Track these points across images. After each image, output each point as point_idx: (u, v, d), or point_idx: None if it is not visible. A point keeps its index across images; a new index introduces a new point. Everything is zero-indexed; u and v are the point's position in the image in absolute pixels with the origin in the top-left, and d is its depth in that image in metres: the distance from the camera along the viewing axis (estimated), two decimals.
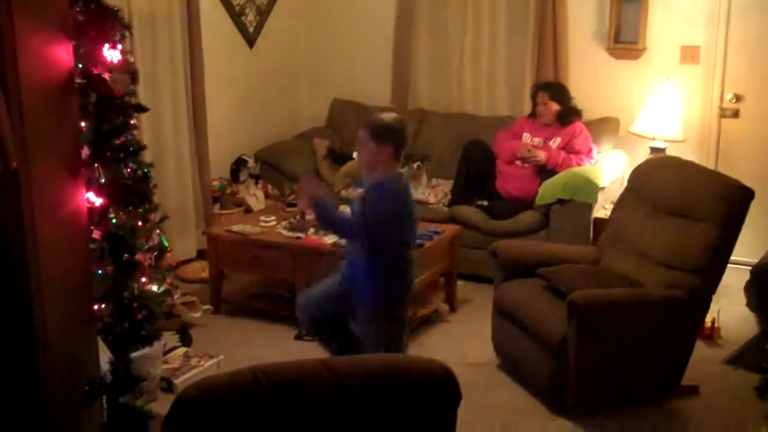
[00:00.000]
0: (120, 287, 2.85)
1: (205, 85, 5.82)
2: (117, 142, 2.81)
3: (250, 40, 6.50)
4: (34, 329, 2.61)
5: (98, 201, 2.80)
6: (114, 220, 2.92)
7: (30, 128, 2.54)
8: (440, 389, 2.29)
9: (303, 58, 7.01)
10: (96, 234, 2.83)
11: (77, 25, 2.67)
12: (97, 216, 2.80)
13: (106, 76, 2.70)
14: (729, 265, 4.11)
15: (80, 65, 2.70)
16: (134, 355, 3.18)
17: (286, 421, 2.17)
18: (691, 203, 4.05)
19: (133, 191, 2.87)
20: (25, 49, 2.51)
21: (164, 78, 5.60)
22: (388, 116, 3.65)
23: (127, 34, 3.07)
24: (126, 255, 2.83)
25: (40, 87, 2.58)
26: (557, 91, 5.62)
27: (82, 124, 2.78)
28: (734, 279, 5.01)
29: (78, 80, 2.71)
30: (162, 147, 5.61)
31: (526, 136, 5.63)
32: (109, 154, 2.78)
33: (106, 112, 2.75)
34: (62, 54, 2.60)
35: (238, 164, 6.07)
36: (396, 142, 3.54)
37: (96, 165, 2.79)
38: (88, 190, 2.78)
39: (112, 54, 2.71)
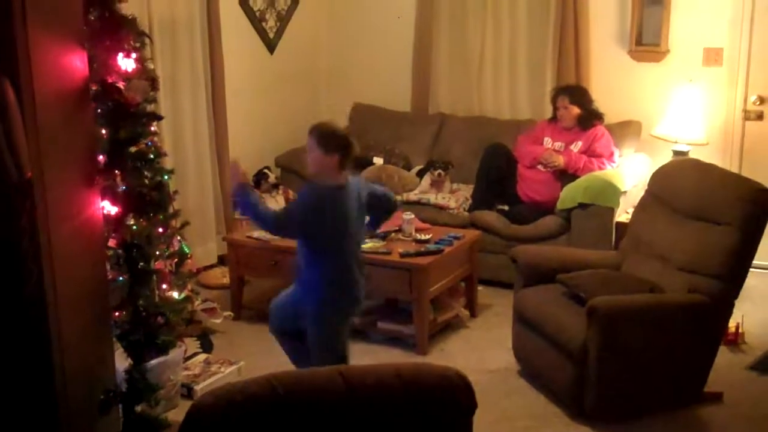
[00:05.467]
0: (135, 295, 2.85)
1: (225, 91, 5.85)
2: (133, 150, 2.82)
3: (271, 46, 6.52)
4: (50, 337, 2.62)
5: (114, 209, 2.81)
6: (134, 227, 2.92)
7: (45, 137, 2.55)
8: (456, 397, 2.27)
9: (323, 63, 7.02)
10: (112, 242, 2.83)
11: (92, 33, 2.68)
12: (113, 224, 2.81)
13: (121, 84, 2.71)
14: (754, 270, 4.06)
15: (95, 74, 2.71)
16: (154, 361, 3.18)
17: (301, 428, 2.16)
18: (712, 207, 4.00)
19: (149, 200, 2.88)
20: (40, 57, 2.52)
21: (184, 83, 5.63)
22: (335, 126, 3.76)
23: (147, 41, 3.09)
24: (141, 263, 2.84)
25: (54, 95, 2.59)
26: (577, 94, 5.58)
27: (102, 131, 2.79)
28: (760, 283, 4.96)
29: (93, 88, 2.72)
30: (182, 152, 5.64)
31: (547, 141, 5.60)
32: (125, 162, 2.78)
33: (121, 120, 2.76)
34: (77, 62, 2.61)
35: (259, 177, 6.11)
36: (342, 152, 3.57)
37: (112, 173, 2.79)
38: (103, 198, 2.79)
39: (126, 63, 2.72)
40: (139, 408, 2.88)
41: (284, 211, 3.80)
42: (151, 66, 3.80)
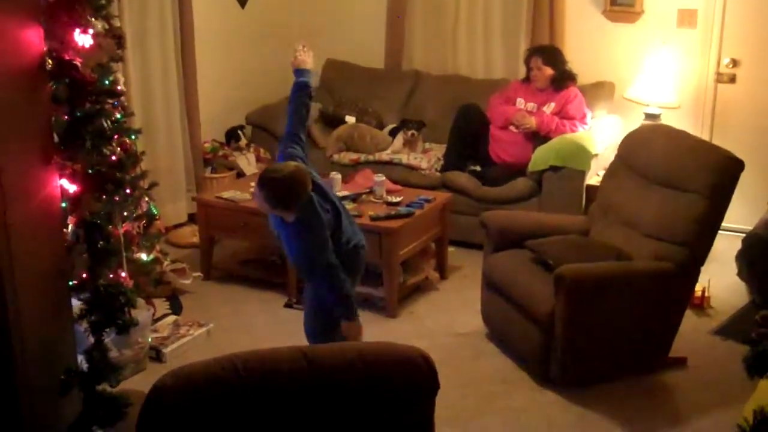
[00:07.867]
0: (96, 275, 2.82)
1: (195, 47, 5.76)
2: (91, 128, 2.76)
3: (242, 0, 6.40)
4: (8, 318, 2.59)
5: (72, 188, 2.77)
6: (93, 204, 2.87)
7: (0, 115, 2.49)
8: (418, 377, 2.28)
9: (296, 18, 6.90)
10: (71, 220, 2.79)
11: (48, 9, 2.61)
12: (72, 203, 2.77)
13: (78, 61, 2.64)
14: (721, 232, 4.10)
15: (52, 50, 2.64)
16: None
17: (264, 409, 2.17)
18: (680, 174, 4.02)
19: (107, 178, 2.83)
20: None
21: (153, 39, 5.53)
22: (280, 173, 3.35)
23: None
24: (101, 243, 2.80)
25: (9, 73, 2.52)
26: (551, 55, 5.53)
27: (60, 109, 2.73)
28: (727, 246, 4.98)
29: (50, 65, 2.65)
30: (152, 110, 5.57)
31: (520, 101, 5.57)
32: (83, 140, 2.73)
33: (78, 98, 2.70)
34: (33, 39, 2.54)
35: (231, 136, 6.06)
36: (294, 204, 3.37)
37: (70, 152, 2.74)
38: (61, 176, 2.74)
39: (83, 38, 2.64)
40: (100, 387, 2.87)
41: (313, 250, 3.44)
42: (118, 24, 3.71)
